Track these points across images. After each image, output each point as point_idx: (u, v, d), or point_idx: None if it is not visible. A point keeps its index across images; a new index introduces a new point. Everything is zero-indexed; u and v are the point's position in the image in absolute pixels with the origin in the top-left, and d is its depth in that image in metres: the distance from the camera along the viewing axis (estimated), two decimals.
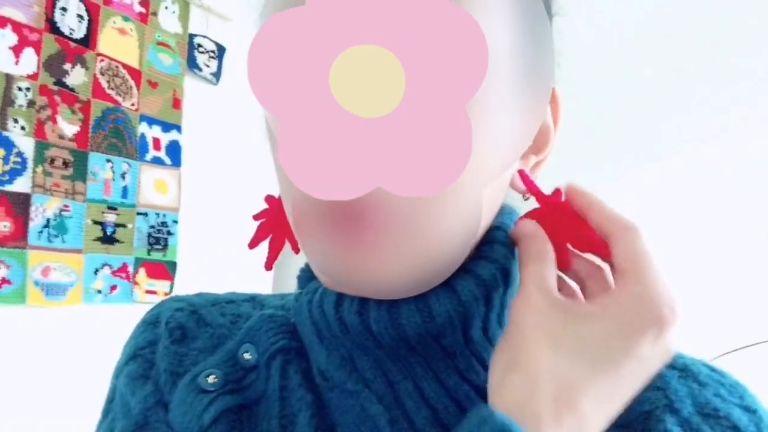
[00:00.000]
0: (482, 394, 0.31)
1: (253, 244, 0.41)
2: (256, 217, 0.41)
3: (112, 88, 1.67)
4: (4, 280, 1.41)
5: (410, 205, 0.29)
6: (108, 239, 1.64)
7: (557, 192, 0.34)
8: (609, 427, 0.29)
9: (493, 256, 0.33)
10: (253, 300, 0.44)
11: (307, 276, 0.38)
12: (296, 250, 0.40)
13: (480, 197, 0.30)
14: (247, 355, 0.37)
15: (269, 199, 0.41)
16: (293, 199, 0.32)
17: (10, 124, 1.44)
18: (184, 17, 1.88)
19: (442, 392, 0.32)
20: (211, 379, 0.35)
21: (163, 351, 0.38)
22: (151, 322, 0.41)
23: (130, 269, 1.70)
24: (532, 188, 0.35)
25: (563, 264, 0.33)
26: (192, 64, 1.89)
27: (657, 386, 0.32)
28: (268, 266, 0.40)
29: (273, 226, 0.41)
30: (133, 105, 1.72)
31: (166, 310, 0.41)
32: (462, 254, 0.31)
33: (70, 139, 1.56)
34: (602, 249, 0.32)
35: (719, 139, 2.08)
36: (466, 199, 0.30)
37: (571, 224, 0.33)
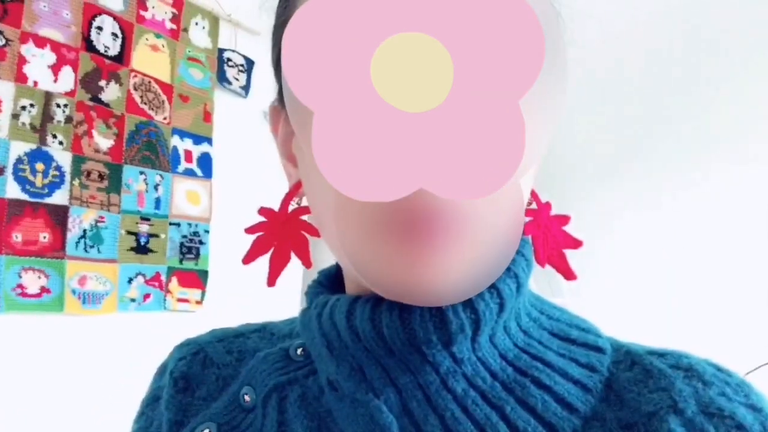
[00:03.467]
0: (488, 400, 0.31)
1: (247, 260, 0.40)
2: (249, 231, 0.39)
3: (145, 103, 1.72)
4: (44, 289, 1.46)
5: (477, 205, 0.27)
6: (141, 249, 1.68)
7: (547, 204, 0.37)
8: (613, 428, 0.30)
9: (513, 268, 0.33)
10: (263, 329, 0.46)
11: (315, 291, 0.39)
12: (307, 265, 0.39)
13: (522, 190, 0.29)
14: (246, 397, 0.39)
15: (264, 211, 0.40)
16: (336, 203, 0.29)
17: (50, 139, 1.50)
18: (213, 33, 1.93)
19: (450, 400, 0.32)
20: None
21: (168, 401, 0.42)
22: (160, 372, 0.45)
23: (163, 278, 1.73)
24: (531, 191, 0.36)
25: (564, 267, 0.36)
26: (222, 78, 1.93)
27: (661, 387, 0.31)
28: (271, 282, 0.39)
29: (273, 240, 0.39)
30: (165, 119, 1.77)
31: (172, 360, 0.44)
32: (513, 253, 0.30)
33: (105, 153, 1.61)
34: (577, 246, 0.37)
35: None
36: (516, 194, 0.29)
37: (555, 230, 0.37)
